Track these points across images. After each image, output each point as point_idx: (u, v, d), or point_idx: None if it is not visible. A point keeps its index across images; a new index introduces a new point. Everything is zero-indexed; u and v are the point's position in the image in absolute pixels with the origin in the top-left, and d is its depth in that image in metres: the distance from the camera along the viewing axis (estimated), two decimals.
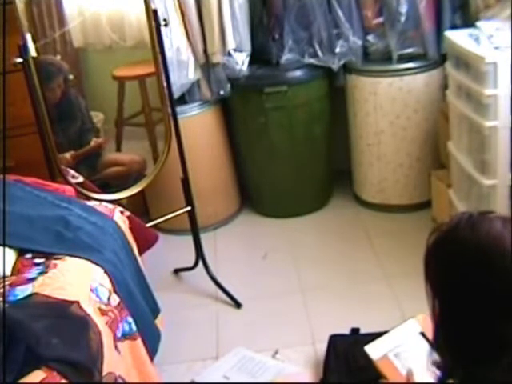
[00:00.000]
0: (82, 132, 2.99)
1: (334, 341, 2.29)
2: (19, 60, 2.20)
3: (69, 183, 2.37)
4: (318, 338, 2.40)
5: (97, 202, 2.26)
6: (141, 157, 3.12)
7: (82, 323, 1.57)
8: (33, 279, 1.70)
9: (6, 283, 1.69)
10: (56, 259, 1.81)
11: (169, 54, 2.74)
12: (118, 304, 1.80)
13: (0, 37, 2.56)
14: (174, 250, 3.09)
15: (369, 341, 2.09)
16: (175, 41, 2.91)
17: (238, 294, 2.70)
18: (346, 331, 2.37)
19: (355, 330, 2.36)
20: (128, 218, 2.23)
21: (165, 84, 2.52)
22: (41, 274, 1.74)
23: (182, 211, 2.72)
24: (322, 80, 3.15)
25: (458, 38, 2.47)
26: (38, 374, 1.38)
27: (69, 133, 2.88)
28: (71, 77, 2.92)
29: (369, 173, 3.25)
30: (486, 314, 1.14)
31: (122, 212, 2.22)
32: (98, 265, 1.83)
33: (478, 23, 2.53)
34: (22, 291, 1.65)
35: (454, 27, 2.84)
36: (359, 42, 3.00)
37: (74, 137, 2.94)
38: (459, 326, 1.18)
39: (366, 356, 2.05)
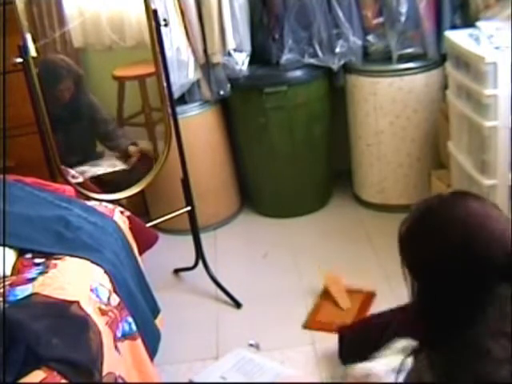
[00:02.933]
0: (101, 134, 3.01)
1: (344, 333, 2.28)
2: (19, 60, 2.20)
3: (69, 183, 2.37)
4: (318, 338, 2.40)
5: (97, 202, 2.26)
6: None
7: (82, 323, 1.57)
8: (33, 279, 1.70)
9: (6, 283, 1.69)
10: (56, 259, 1.81)
11: (169, 53, 2.74)
12: (118, 304, 1.80)
13: (0, 37, 2.56)
14: (174, 250, 3.09)
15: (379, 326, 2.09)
16: (175, 41, 2.91)
17: (237, 294, 2.70)
18: None
19: None
20: (128, 217, 2.23)
21: (165, 84, 2.52)
22: (41, 273, 1.74)
23: (182, 211, 2.72)
24: (322, 80, 3.16)
25: (458, 38, 2.47)
26: (38, 374, 1.38)
27: (78, 134, 2.88)
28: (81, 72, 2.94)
29: (369, 173, 3.25)
30: (463, 288, 1.18)
31: (122, 212, 2.22)
32: (98, 265, 1.83)
33: (478, 23, 2.54)
34: (22, 291, 1.65)
35: (454, 27, 2.84)
36: (359, 42, 3.00)
37: (84, 138, 2.96)
38: (437, 303, 1.22)
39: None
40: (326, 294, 2.64)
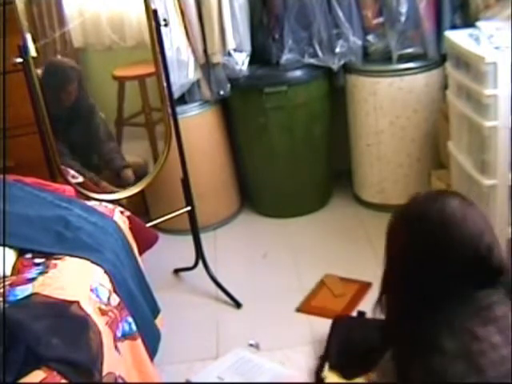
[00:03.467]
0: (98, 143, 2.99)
1: (339, 321, 2.31)
2: (19, 60, 2.20)
3: (69, 183, 2.37)
4: (317, 338, 2.40)
5: (97, 202, 2.26)
6: (142, 158, 3.12)
7: (82, 323, 1.57)
8: (33, 279, 1.70)
9: (6, 283, 1.69)
10: (56, 259, 1.81)
11: (169, 53, 2.74)
12: (118, 304, 1.80)
13: (0, 37, 2.56)
14: (174, 250, 3.09)
15: (375, 325, 2.08)
16: (175, 41, 2.91)
17: (238, 294, 2.70)
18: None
19: (361, 314, 2.37)
20: (128, 217, 2.23)
21: (165, 84, 2.52)
22: (41, 273, 1.74)
23: (182, 211, 2.72)
24: (322, 80, 3.16)
25: (458, 38, 2.46)
26: (38, 374, 1.38)
27: (80, 135, 2.88)
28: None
29: (369, 173, 3.25)
30: (428, 281, 1.23)
31: (122, 212, 2.22)
32: (98, 265, 1.83)
33: (478, 23, 2.53)
34: (22, 291, 1.65)
35: (454, 27, 2.84)
36: (359, 42, 3.00)
37: (86, 139, 2.93)
38: (402, 293, 1.28)
39: (366, 341, 2.05)
40: (321, 283, 2.72)
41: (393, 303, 1.30)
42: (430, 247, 1.22)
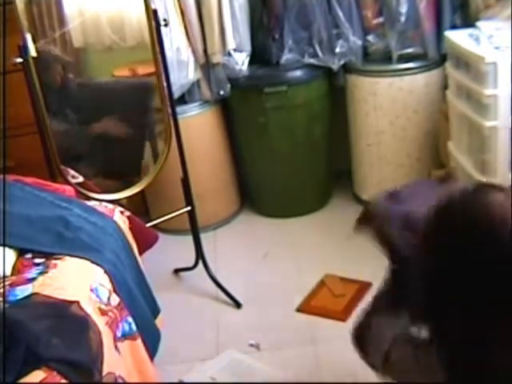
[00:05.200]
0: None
1: None
2: (19, 60, 2.20)
3: (69, 183, 2.37)
4: (317, 339, 2.40)
5: (97, 202, 2.26)
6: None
7: (82, 323, 1.57)
8: (33, 279, 1.70)
9: (6, 283, 1.69)
10: (56, 259, 1.81)
11: (169, 53, 2.74)
12: (118, 304, 1.80)
13: (0, 37, 2.56)
14: (174, 250, 3.09)
15: None
16: (175, 41, 2.91)
17: (237, 294, 2.70)
18: (346, 332, 2.36)
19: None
20: (128, 218, 2.23)
21: (165, 84, 2.52)
22: (41, 273, 1.73)
23: (182, 211, 2.72)
24: (322, 80, 3.16)
25: (458, 38, 2.47)
26: (38, 374, 1.38)
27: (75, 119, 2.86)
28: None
29: (369, 173, 3.25)
30: (482, 282, 1.15)
31: (122, 212, 2.22)
32: (98, 265, 1.83)
33: (478, 23, 2.54)
34: (22, 291, 1.64)
35: (454, 27, 2.84)
36: (359, 42, 3.00)
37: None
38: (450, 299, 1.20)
39: None
40: (321, 283, 2.72)
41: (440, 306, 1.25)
42: (483, 246, 1.15)
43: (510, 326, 1.14)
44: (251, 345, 2.41)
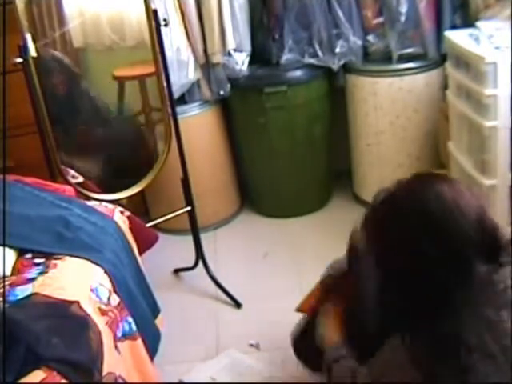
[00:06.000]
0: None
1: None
2: (19, 60, 2.20)
3: (69, 183, 2.37)
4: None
5: (97, 202, 2.26)
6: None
7: (82, 323, 1.57)
8: (33, 279, 1.70)
9: (6, 283, 1.69)
10: (56, 259, 1.81)
11: (169, 53, 2.74)
12: (118, 304, 1.80)
13: (0, 37, 2.56)
14: (174, 250, 3.09)
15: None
16: (175, 41, 2.91)
17: (238, 294, 2.70)
18: None
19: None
20: (128, 217, 2.23)
21: (165, 84, 2.52)
22: (41, 273, 1.74)
23: (182, 211, 2.72)
24: (322, 80, 3.15)
25: (458, 38, 2.47)
26: (38, 374, 1.38)
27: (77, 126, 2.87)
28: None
29: (369, 173, 3.25)
30: (438, 271, 1.17)
31: (122, 212, 2.22)
32: (98, 265, 1.83)
33: (478, 23, 2.54)
34: (22, 291, 1.65)
35: (454, 27, 2.84)
36: (359, 42, 3.00)
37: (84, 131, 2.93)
38: (410, 289, 1.21)
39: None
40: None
41: (398, 296, 1.25)
42: (432, 231, 1.16)
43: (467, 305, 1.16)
44: (251, 345, 2.41)
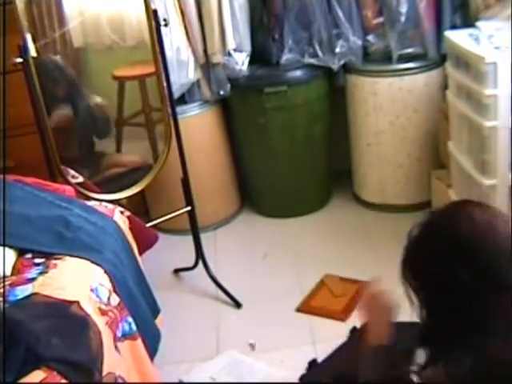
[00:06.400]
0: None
1: None
2: (19, 60, 2.20)
3: (69, 183, 2.37)
4: (317, 338, 2.40)
5: (97, 202, 2.26)
6: (142, 158, 3.12)
7: (82, 323, 1.57)
8: (33, 279, 1.70)
9: (6, 283, 1.69)
10: (56, 259, 1.81)
11: (169, 53, 2.74)
12: (118, 304, 1.80)
13: (0, 37, 2.56)
14: (174, 250, 3.09)
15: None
16: (175, 41, 2.91)
17: (237, 294, 2.70)
18: (346, 332, 2.36)
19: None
20: (128, 218, 2.23)
21: (165, 84, 2.52)
22: (41, 273, 1.74)
23: (182, 211, 2.72)
24: (322, 80, 3.15)
25: (458, 38, 2.47)
26: (38, 374, 1.38)
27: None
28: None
29: (369, 173, 3.25)
30: (471, 296, 1.17)
31: (122, 212, 2.22)
32: (98, 265, 1.83)
33: (478, 23, 2.54)
34: (22, 291, 1.65)
35: (454, 27, 2.84)
36: (359, 42, 3.00)
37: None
38: (445, 313, 1.21)
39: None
40: (321, 283, 2.73)
41: (438, 319, 1.26)
42: (464, 257, 1.17)
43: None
44: (251, 344, 2.41)
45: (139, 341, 1.85)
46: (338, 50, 3.00)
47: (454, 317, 1.20)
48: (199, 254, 2.81)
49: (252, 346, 2.41)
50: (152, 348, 1.98)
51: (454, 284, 1.19)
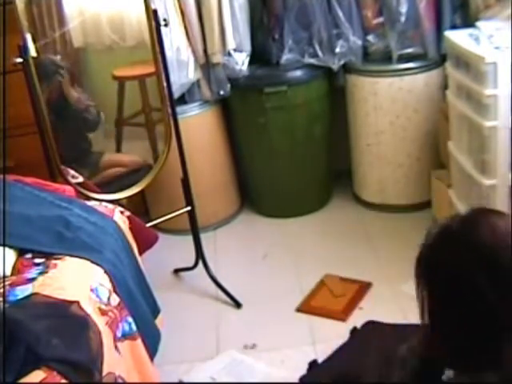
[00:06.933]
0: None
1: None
2: (19, 60, 2.20)
3: (69, 183, 2.37)
4: (317, 338, 2.40)
5: (97, 202, 2.26)
6: (142, 158, 3.12)
7: (82, 323, 1.57)
8: (33, 279, 1.70)
9: (6, 283, 1.69)
10: (56, 259, 1.81)
11: (169, 53, 2.74)
12: (118, 304, 1.80)
13: (0, 37, 2.56)
14: (174, 250, 3.09)
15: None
16: (175, 41, 2.91)
17: (237, 294, 2.70)
18: (346, 332, 2.37)
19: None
20: (128, 218, 2.23)
21: (165, 84, 2.52)
22: (41, 273, 1.74)
23: (182, 211, 2.72)
24: (322, 80, 3.15)
25: (458, 38, 2.46)
26: (38, 374, 1.38)
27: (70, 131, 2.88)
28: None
29: (369, 173, 3.25)
30: (492, 307, 1.14)
31: (122, 212, 2.22)
32: (98, 265, 1.83)
33: (478, 23, 2.53)
34: (22, 291, 1.65)
35: (454, 27, 2.84)
36: (359, 42, 3.00)
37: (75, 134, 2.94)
38: (458, 325, 1.18)
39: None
40: (321, 283, 2.73)
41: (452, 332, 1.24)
42: (489, 273, 1.14)
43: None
44: (246, 346, 2.41)
45: (139, 341, 1.85)
46: (337, 50, 3.00)
47: (462, 321, 1.19)
48: (199, 254, 2.81)
49: (251, 347, 2.40)
50: (152, 348, 1.98)
51: (469, 289, 1.17)
